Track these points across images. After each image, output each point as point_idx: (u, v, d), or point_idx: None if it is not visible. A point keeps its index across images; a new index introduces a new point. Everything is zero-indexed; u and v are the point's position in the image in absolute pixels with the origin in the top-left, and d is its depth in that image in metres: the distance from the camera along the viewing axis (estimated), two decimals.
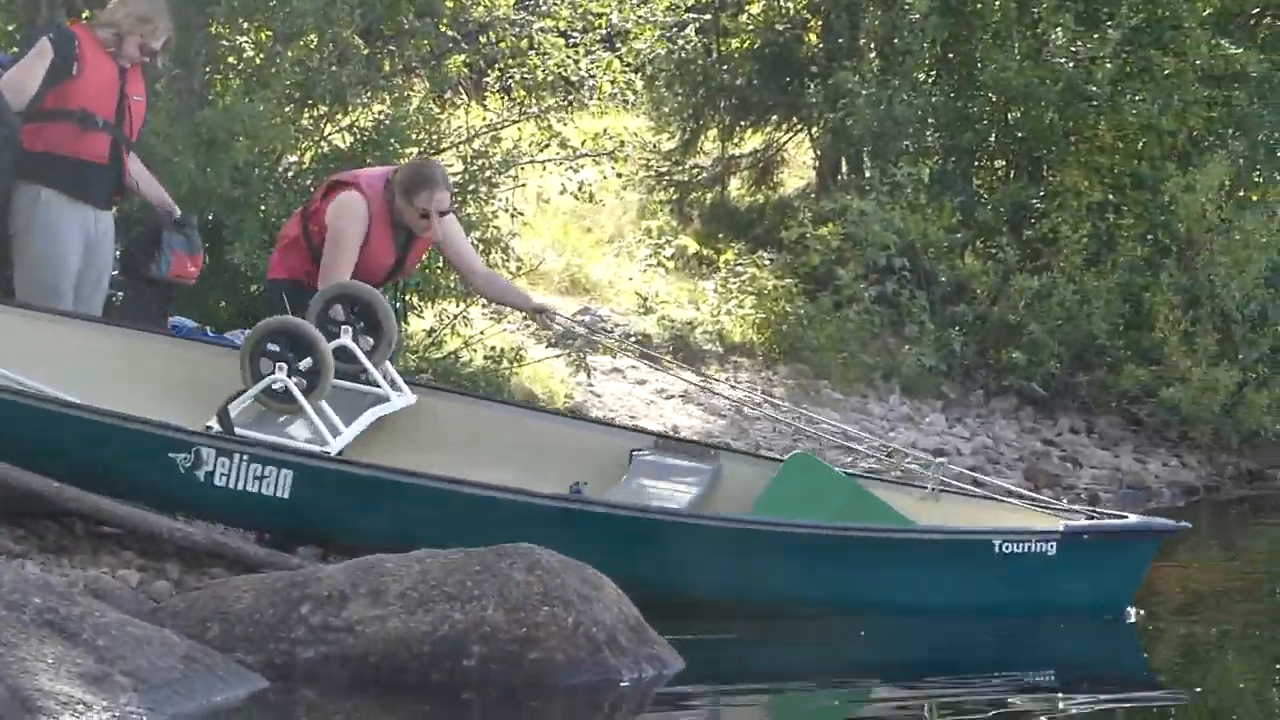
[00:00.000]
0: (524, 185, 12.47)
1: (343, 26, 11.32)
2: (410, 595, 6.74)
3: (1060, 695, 7.69)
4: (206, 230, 10.59)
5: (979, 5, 15.27)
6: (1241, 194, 14.89)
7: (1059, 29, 15.00)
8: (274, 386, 8.49)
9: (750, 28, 17.39)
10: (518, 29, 13.06)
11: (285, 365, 8.49)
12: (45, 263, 9.09)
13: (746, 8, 17.47)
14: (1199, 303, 14.25)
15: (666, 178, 17.13)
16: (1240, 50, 15.28)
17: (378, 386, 8.94)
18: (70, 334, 8.93)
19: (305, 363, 8.49)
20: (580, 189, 13.53)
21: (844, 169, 16.33)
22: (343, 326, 8.87)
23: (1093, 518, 9.00)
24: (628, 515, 8.40)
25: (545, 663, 6.64)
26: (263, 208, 10.69)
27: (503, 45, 13.04)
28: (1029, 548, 8.43)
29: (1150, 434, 14.24)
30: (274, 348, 8.57)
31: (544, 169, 13.24)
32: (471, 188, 11.87)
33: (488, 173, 12.05)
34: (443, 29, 12.37)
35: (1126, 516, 9.33)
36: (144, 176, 9.41)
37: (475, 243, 11.59)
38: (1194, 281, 14.30)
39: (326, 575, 6.95)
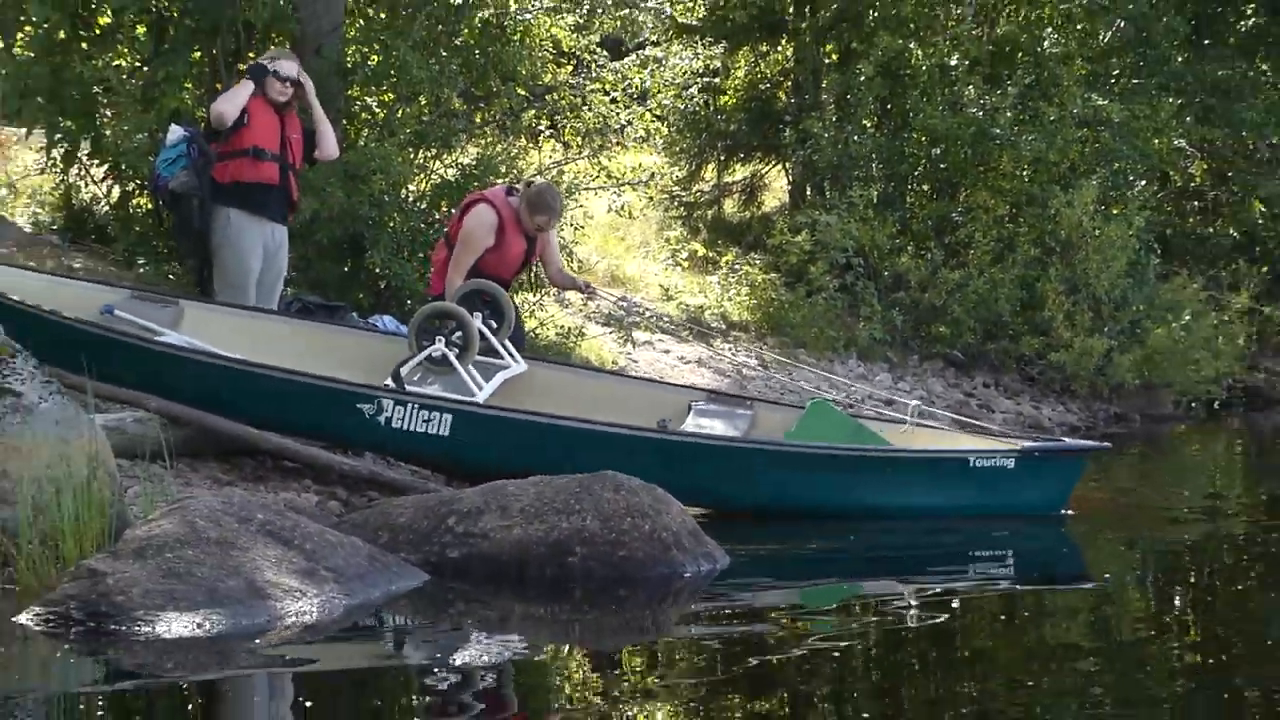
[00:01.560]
0: (582, 207, 12.47)
1: (448, 89, 11.42)
2: (529, 510, 6.81)
3: (1018, 584, 7.69)
4: (350, 242, 10.72)
5: (910, 69, 15.25)
6: (1105, 209, 14.87)
7: (970, 86, 15.02)
8: (434, 354, 8.59)
9: (739, 87, 17.38)
10: (574, 90, 13.14)
11: (443, 337, 8.59)
12: (234, 269, 9.10)
13: (734, 73, 17.42)
14: (1077, 290, 14.32)
15: (678, 199, 17.11)
16: (1105, 102, 15.35)
17: (500, 358, 8.96)
18: (257, 325, 8.96)
19: (457, 335, 8.59)
20: (623, 209, 13.68)
21: (810, 192, 16.25)
22: (475, 314, 8.87)
23: (1035, 442, 9.05)
24: (719, 445, 8.51)
25: (630, 560, 6.72)
26: (391, 225, 10.71)
27: (563, 102, 13.10)
28: (994, 463, 8.52)
29: (1042, 387, 14.29)
30: (433, 325, 8.66)
31: (595, 194, 13.29)
32: None
33: None
34: (519, 91, 12.46)
35: (1064, 440, 9.52)
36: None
37: None
38: (1073, 274, 14.31)
39: (466, 496, 7.04)
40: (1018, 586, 7.58)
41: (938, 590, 7.30)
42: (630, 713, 5.17)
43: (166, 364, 8.20)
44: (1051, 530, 8.57)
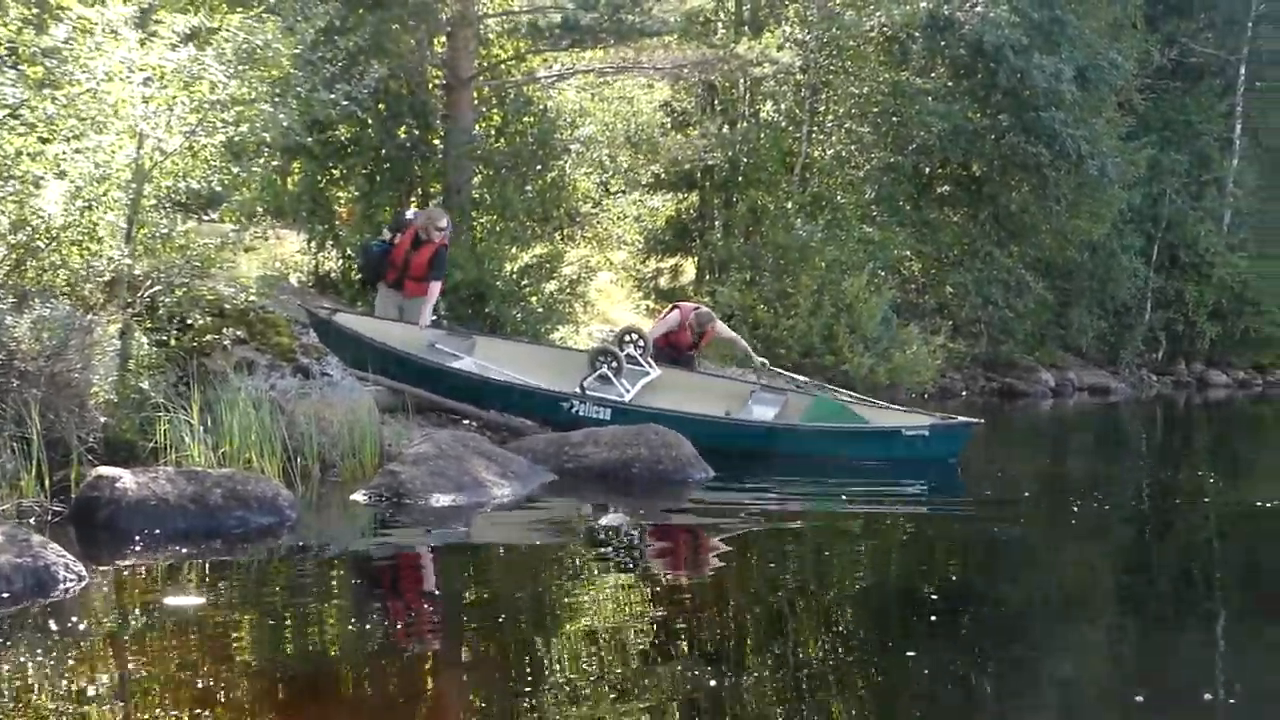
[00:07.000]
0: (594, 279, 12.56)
1: (526, 214, 11.52)
2: (609, 444, 7.06)
3: (925, 499, 7.54)
4: (477, 296, 10.49)
5: (763, 209, 15.46)
6: (869, 288, 15.09)
7: (798, 220, 15.23)
8: (602, 372, 8.47)
9: (670, 216, 17.32)
10: (593, 215, 13.26)
11: (606, 364, 8.53)
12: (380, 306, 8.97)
13: (667, 208, 17.11)
14: (854, 331, 14.35)
15: (640, 277, 16.87)
16: (870, 230, 15.73)
17: (644, 370, 8.69)
18: (501, 346, 8.82)
19: (613, 363, 8.52)
20: (613, 280, 13.75)
21: (709, 275, 16.33)
22: (632, 345, 8.82)
23: (940, 420, 8.55)
24: (752, 426, 8.26)
25: (663, 470, 6.99)
26: (497, 286, 10.56)
27: (587, 221, 13.20)
28: (916, 433, 8.27)
29: (839, 384, 14.46)
30: (600, 357, 8.54)
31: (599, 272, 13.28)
32: (580, 278, 12.05)
33: (582, 275, 12.11)
34: (565, 215, 12.53)
35: (955, 418, 8.74)
36: (426, 306, 8.67)
37: (576, 303, 11.79)
38: (852, 323, 14.38)
39: (574, 435, 7.20)
40: (929, 494, 7.66)
41: (890, 493, 7.29)
42: (660, 534, 5.50)
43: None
44: (949, 467, 8.29)
